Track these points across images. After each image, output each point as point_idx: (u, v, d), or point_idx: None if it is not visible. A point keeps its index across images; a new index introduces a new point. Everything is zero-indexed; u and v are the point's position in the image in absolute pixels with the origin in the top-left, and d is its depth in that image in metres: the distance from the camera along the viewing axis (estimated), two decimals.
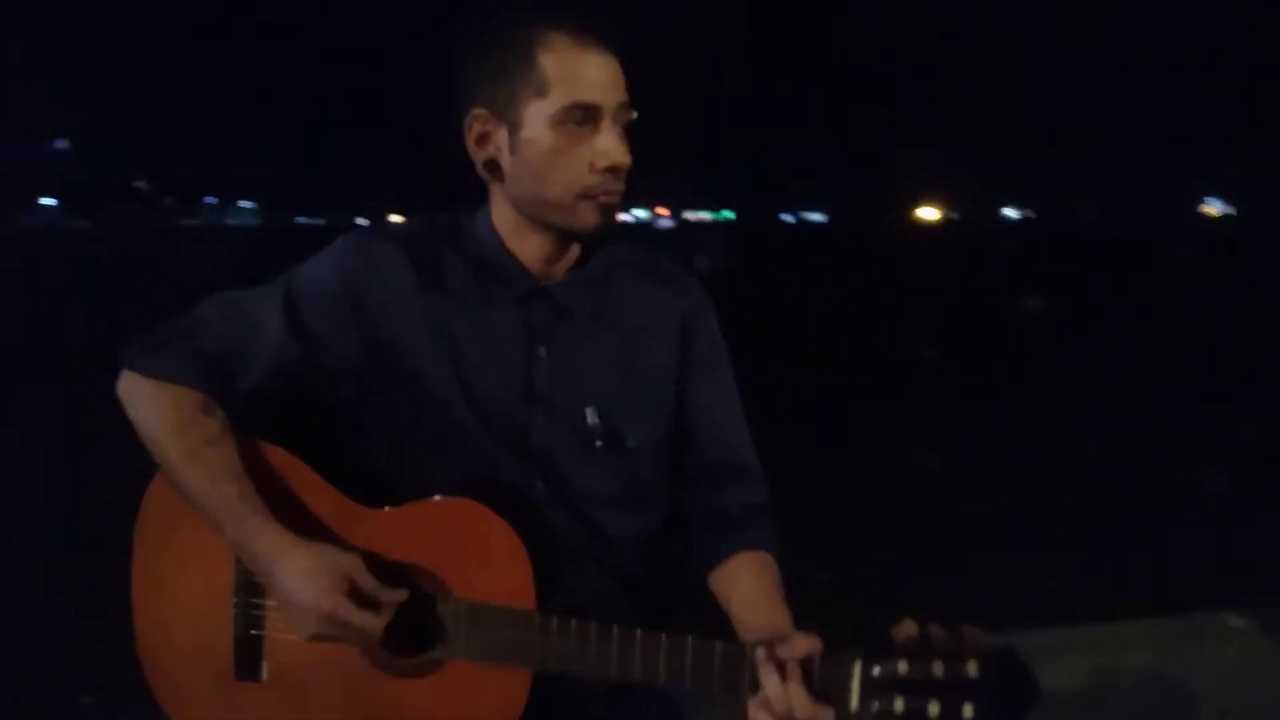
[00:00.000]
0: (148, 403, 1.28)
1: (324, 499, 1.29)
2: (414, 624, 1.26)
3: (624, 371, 1.38)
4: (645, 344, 1.39)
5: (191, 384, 1.28)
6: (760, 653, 1.16)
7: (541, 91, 1.24)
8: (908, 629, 1.11)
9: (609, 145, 1.26)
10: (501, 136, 1.29)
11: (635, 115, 1.31)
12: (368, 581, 1.22)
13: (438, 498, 1.27)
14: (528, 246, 1.34)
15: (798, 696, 1.12)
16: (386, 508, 1.29)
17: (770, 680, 1.13)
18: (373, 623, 1.22)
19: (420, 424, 1.33)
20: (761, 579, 1.34)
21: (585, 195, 1.27)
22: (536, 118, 1.25)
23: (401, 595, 1.24)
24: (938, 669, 1.04)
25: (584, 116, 1.25)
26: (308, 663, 1.28)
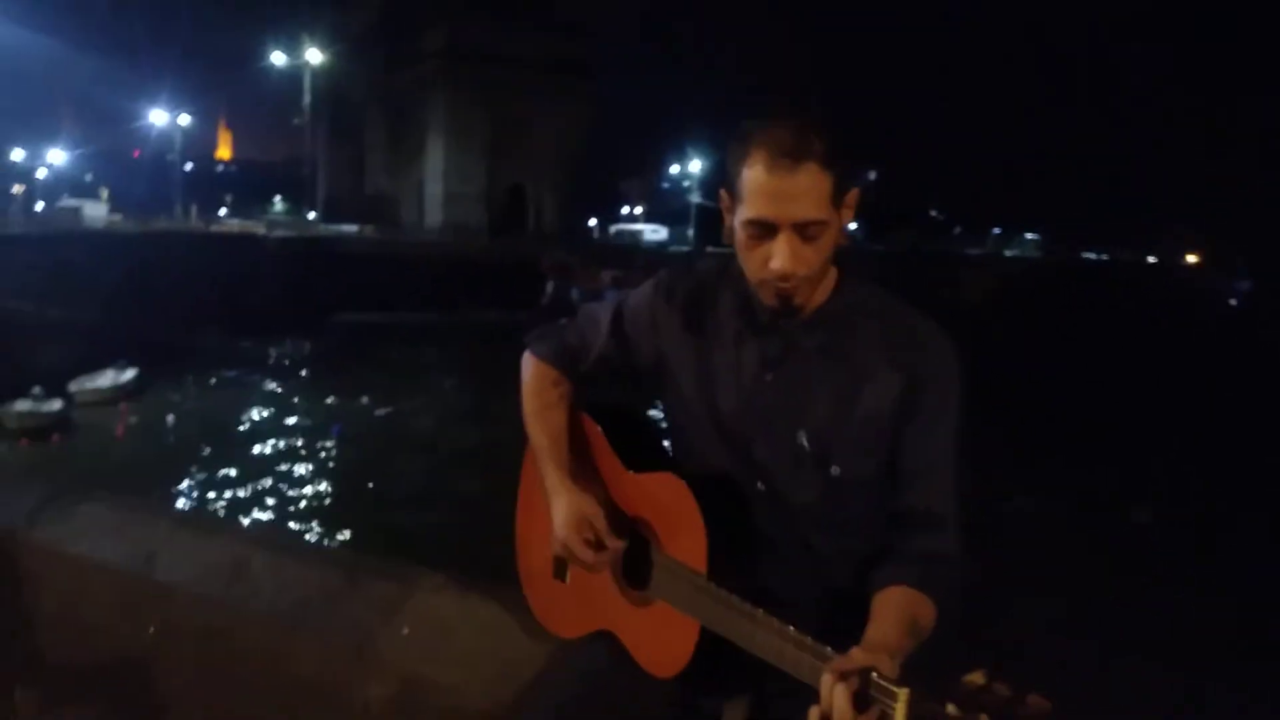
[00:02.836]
0: (526, 372, 1.84)
1: (606, 461, 1.74)
2: (642, 564, 1.63)
3: (840, 407, 1.56)
4: (867, 387, 1.55)
5: (551, 363, 1.81)
6: (833, 657, 1.28)
7: (740, 198, 1.53)
8: (973, 678, 1.14)
9: (776, 254, 1.49)
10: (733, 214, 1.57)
11: (827, 222, 1.49)
12: (600, 529, 1.64)
13: (669, 473, 1.61)
14: None
15: (841, 702, 1.23)
16: (641, 473, 1.67)
17: (825, 679, 1.26)
18: (591, 558, 1.64)
19: (683, 422, 1.70)
20: (903, 610, 1.42)
21: (762, 284, 1.54)
22: (737, 216, 1.54)
23: (621, 545, 1.64)
24: None
25: (762, 229, 1.50)
26: (590, 578, 1.72)
